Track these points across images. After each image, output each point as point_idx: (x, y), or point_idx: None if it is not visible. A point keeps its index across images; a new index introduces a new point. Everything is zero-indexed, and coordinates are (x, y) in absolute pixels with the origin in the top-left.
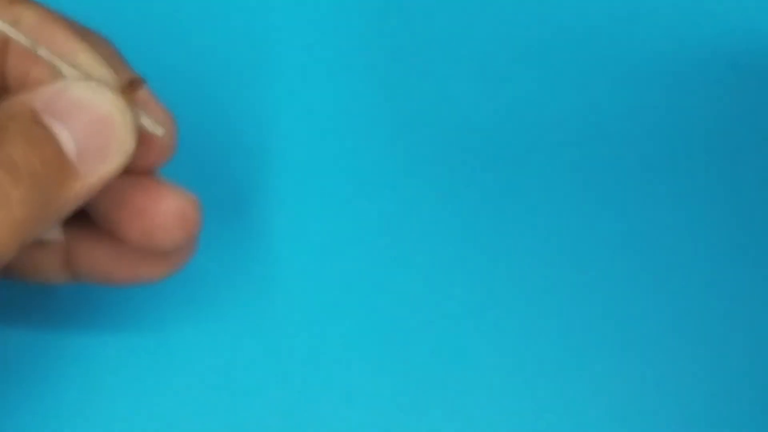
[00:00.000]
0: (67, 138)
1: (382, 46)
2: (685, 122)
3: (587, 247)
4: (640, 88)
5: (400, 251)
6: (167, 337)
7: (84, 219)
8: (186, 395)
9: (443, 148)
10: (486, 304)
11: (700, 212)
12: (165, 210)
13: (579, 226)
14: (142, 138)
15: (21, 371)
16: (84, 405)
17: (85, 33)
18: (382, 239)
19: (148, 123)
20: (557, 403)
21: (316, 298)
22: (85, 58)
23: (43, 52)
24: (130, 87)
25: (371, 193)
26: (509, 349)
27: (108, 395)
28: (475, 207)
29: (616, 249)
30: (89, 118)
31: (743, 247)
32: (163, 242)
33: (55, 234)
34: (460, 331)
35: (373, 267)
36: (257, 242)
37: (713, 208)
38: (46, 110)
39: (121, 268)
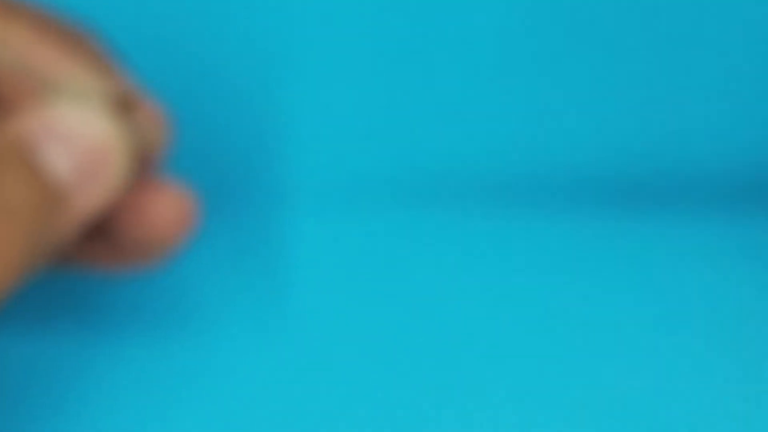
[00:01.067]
0: (59, 164)
1: (388, 48)
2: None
3: (594, 257)
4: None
5: (408, 255)
6: (166, 339)
7: None
8: (186, 397)
9: (453, 153)
10: (495, 316)
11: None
12: (163, 206)
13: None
14: (143, 149)
15: (21, 372)
16: (84, 405)
17: (77, 38)
18: (389, 243)
19: (145, 134)
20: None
21: (318, 300)
22: (77, 73)
23: (31, 69)
24: (125, 104)
25: (379, 197)
26: (520, 364)
27: (108, 396)
28: (486, 214)
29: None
30: (82, 147)
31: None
32: (165, 237)
33: None
34: (469, 339)
35: (378, 270)
36: (258, 242)
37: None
38: (36, 140)
39: (111, 257)
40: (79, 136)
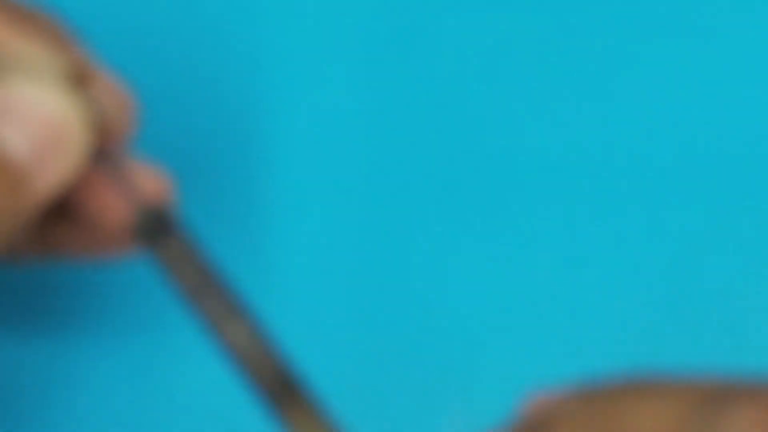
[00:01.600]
0: (16, 143)
1: (385, 46)
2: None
3: (593, 250)
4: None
5: (401, 252)
6: (164, 338)
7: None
8: (184, 396)
9: (447, 148)
10: (490, 302)
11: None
12: (135, 187)
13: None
14: (102, 123)
15: (21, 373)
16: (84, 406)
17: (29, 16)
18: (383, 240)
19: (104, 108)
20: None
21: (315, 299)
22: (29, 50)
23: None
24: (80, 78)
25: (373, 194)
26: (514, 352)
27: (106, 397)
28: (480, 205)
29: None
30: (39, 121)
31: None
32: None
33: None
34: (464, 334)
35: (375, 268)
36: (257, 243)
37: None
38: None
39: (88, 243)
40: (34, 112)
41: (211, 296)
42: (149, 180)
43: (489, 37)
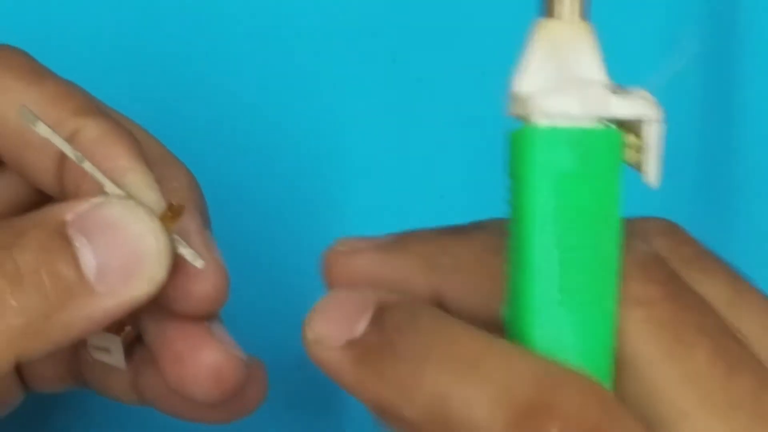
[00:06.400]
0: (87, 254)
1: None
2: None
3: None
4: None
5: None
6: None
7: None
8: None
9: (445, 143)
10: None
11: None
12: (199, 363)
13: None
14: (181, 272)
15: None
16: (84, 405)
17: (159, 157)
18: None
19: (188, 253)
20: None
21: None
22: (134, 177)
23: (87, 166)
24: (172, 212)
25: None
26: None
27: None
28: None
29: None
30: (117, 238)
31: None
32: (195, 394)
33: (119, 362)
34: None
35: None
36: (258, 243)
37: None
38: (75, 223)
39: (180, 405)
40: (117, 225)
41: None
42: (212, 356)
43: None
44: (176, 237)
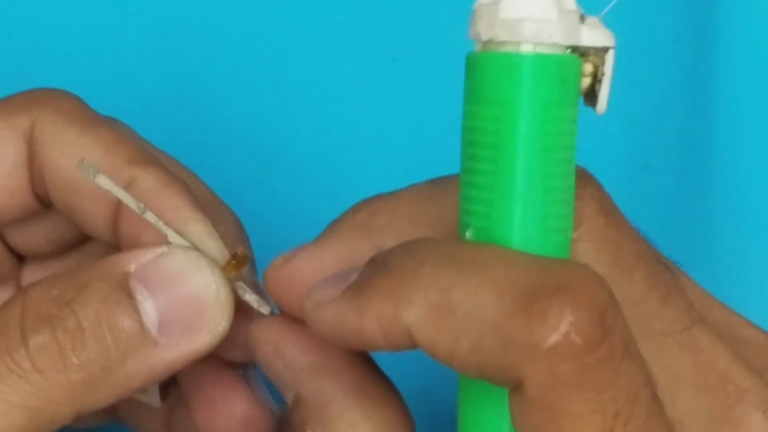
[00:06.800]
0: (149, 308)
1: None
2: None
3: None
4: None
5: None
6: None
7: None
8: None
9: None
10: None
11: None
12: (231, 411)
13: None
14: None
15: None
16: None
17: (209, 203)
18: None
19: (253, 300)
20: None
21: None
22: (195, 227)
23: (149, 216)
24: (234, 262)
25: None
26: None
27: None
28: None
29: None
30: (179, 291)
31: None
32: None
33: (154, 400)
34: None
35: None
36: (258, 243)
37: None
38: (137, 274)
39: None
40: (180, 278)
41: None
42: (243, 406)
43: None
44: (241, 284)
